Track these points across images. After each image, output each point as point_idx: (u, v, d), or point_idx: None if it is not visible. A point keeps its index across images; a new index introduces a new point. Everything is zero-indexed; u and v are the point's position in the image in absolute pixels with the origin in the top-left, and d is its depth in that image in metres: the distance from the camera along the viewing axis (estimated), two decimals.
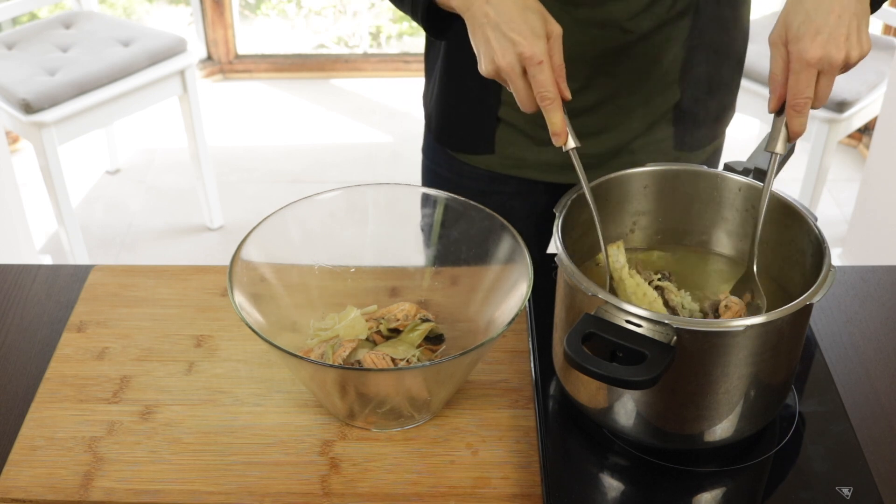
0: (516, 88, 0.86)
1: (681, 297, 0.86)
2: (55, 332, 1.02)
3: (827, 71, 0.82)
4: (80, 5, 2.74)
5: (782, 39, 0.84)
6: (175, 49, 2.50)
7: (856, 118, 2.35)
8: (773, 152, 0.85)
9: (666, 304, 0.85)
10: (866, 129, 3.05)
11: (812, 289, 0.76)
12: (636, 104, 1.11)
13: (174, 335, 1.00)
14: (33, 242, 2.44)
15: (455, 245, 0.98)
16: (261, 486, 0.84)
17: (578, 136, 1.16)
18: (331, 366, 0.87)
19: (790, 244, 0.87)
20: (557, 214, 0.85)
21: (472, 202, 0.96)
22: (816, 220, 0.84)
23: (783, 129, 0.84)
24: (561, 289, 0.83)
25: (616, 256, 0.85)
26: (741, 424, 0.80)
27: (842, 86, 2.32)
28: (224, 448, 0.87)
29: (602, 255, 0.85)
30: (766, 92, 2.39)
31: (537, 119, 1.15)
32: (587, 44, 1.05)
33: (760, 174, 0.89)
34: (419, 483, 0.84)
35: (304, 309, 0.96)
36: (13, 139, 3.05)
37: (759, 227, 0.85)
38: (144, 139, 3.21)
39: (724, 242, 0.94)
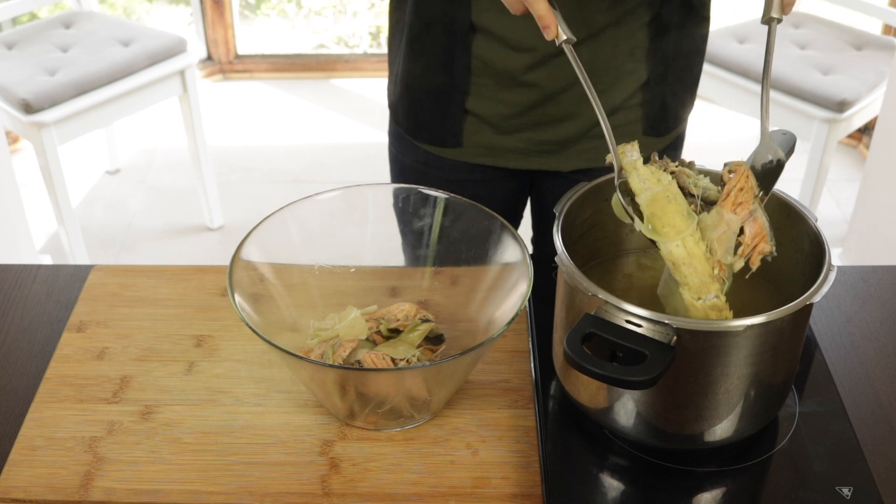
0: None
1: (694, 178, 0.84)
2: (55, 332, 1.02)
3: None
4: (80, 5, 2.74)
5: None
6: (175, 49, 2.50)
7: (856, 118, 2.35)
8: (771, 18, 0.85)
9: (681, 187, 0.83)
10: (866, 129, 3.05)
11: (812, 289, 0.76)
12: (600, 89, 1.11)
13: (174, 335, 1.00)
14: (33, 242, 2.44)
15: (455, 245, 0.98)
16: (261, 486, 0.84)
17: (539, 124, 1.17)
18: (331, 366, 0.87)
19: (790, 244, 0.86)
20: (557, 214, 0.84)
21: (472, 202, 0.96)
22: (816, 220, 0.84)
23: None
24: (561, 289, 0.83)
25: (630, 153, 0.83)
26: (741, 424, 0.80)
27: (842, 86, 2.32)
28: (224, 448, 0.87)
29: (611, 156, 0.83)
30: None
31: (504, 108, 1.16)
32: None
33: (761, 173, 0.89)
34: (419, 483, 0.84)
35: (304, 309, 0.96)
36: (13, 139, 3.05)
37: (767, 90, 0.84)
38: (144, 139, 3.21)
39: None
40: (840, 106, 2.28)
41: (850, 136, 3.10)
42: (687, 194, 0.82)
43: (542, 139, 1.18)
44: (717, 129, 3.25)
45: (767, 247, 0.79)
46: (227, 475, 0.85)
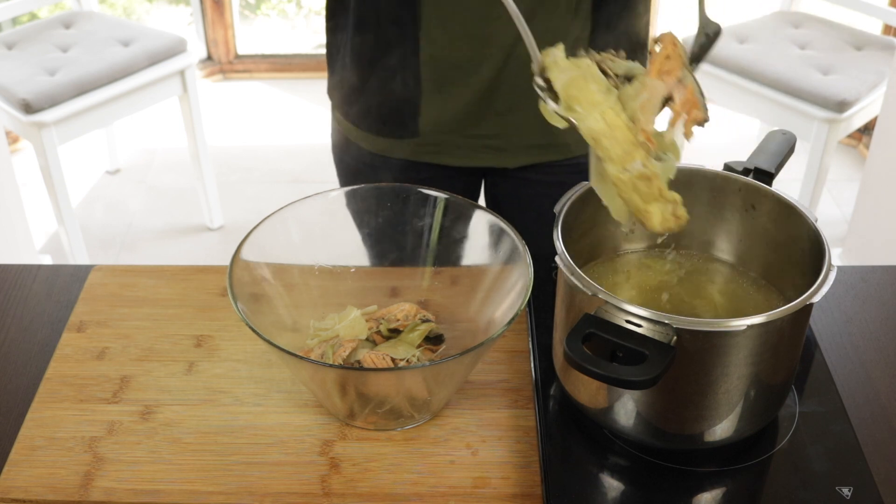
0: None
1: (620, 63, 0.78)
2: (55, 332, 1.02)
3: None
4: (80, 5, 2.74)
5: None
6: (175, 49, 2.50)
7: (856, 118, 2.35)
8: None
9: (603, 72, 0.77)
10: (866, 129, 3.05)
11: (812, 289, 0.75)
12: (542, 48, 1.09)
13: (174, 335, 1.00)
14: (33, 242, 2.44)
15: (455, 245, 0.98)
16: (261, 486, 0.84)
17: (485, 119, 1.17)
18: (331, 366, 0.87)
19: (790, 244, 0.87)
20: (557, 214, 0.84)
21: (472, 202, 0.96)
22: (816, 220, 0.84)
23: None
24: (561, 289, 0.83)
25: (554, 53, 0.77)
26: (741, 424, 0.80)
27: (842, 86, 2.32)
28: (224, 448, 0.87)
29: (534, 64, 0.78)
30: (768, 93, 2.39)
31: (451, 103, 1.16)
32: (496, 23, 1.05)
33: (760, 174, 0.89)
34: (419, 483, 0.84)
35: (304, 309, 0.96)
36: (13, 139, 3.05)
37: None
38: (144, 139, 3.21)
39: (723, 243, 0.94)
40: (840, 106, 2.28)
41: (850, 136, 3.10)
42: (609, 77, 0.77)
43: (489, 134, 1.19)
44: (717, 129, 3.25)
45: (700, 114, 0.75)
46: (227, 475, 0.85)
